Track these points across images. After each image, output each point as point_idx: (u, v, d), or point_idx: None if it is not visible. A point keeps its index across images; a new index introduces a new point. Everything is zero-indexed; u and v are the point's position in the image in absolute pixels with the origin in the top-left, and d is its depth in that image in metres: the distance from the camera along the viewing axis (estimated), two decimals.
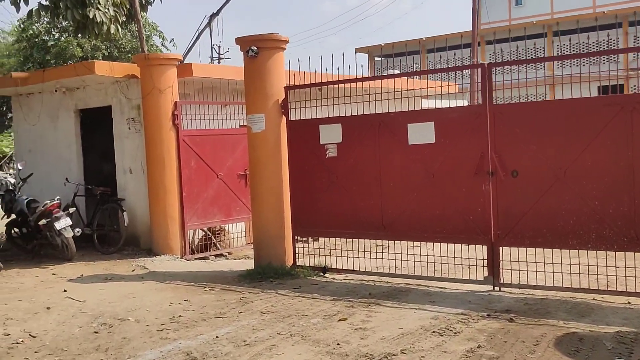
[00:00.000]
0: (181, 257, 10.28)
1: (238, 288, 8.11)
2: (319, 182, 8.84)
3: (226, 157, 10.94)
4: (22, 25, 28.91)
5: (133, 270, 9.43)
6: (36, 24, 28.66)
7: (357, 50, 42.79)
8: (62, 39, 28.71)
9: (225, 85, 11.14)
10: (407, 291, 7.58)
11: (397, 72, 21.66)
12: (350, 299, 7.23)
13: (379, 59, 42.39)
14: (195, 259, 10.45)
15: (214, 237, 11.04)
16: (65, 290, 8.01)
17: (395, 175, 8.22)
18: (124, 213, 10.54)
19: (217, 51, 26.98)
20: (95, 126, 11.76)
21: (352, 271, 8.60)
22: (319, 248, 9.03)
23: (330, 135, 8.72)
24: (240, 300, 7.42)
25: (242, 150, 11.08)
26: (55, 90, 11.53)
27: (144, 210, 10.63)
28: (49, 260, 10.31)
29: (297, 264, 9.06)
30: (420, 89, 8.35)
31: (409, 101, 8.77)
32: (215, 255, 10.80)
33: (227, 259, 10.90)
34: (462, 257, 7.73)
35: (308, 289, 7.89)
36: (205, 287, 8.17)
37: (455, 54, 35.04)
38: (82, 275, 9.14)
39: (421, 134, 7.97)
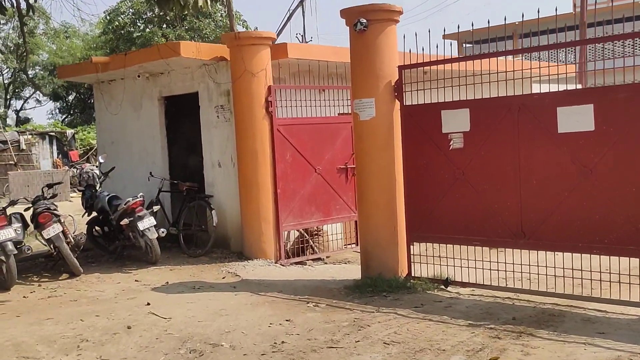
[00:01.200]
0: (275, 262, 9.10)
1: (347, 304, 6.82)
2: (441, 179, 7.42)
3: (325, 148, 9.66)
4: (108, 17, 28.69)
5: (223, 278, 8.31)
6: (122, 16, 28.39)
7: (445, 37, 40.77)
8: (147, 29, 28.31)
9: (321, 69, 9.85)
10: (560, 315, 6.06)
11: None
12: (491, 326, 5.80)
13: (469, 45, 40.27)
14: (291, 264, 9.24)
15: (311, 239, 9.80)
16: (148, 304, 6.94)
17: (539, 171, 6.69)
18: (213, 212, 9.46)
19: (301, 39, 25.74)
20: (181, 115, 10.74)
21: (481, 285, 7.17)
22: (432, 256, 7.62)
23: (455, 123, 7.27)
24: (353, 322, 6.11)
25: (343, 141, 9.81)
26: (138, 76, 10.58)
27: (235, 208, 9.51)
28: (132, 263, 9.34)
29: (413, 274, 7.69)
30: (538, 69, 6.76)
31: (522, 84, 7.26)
32: (313, 260, 9.56)
33: (326, 263, 9.66)
34: (625, 273, 6.15)
35: (432, 308, 6.52)
36: (308, 303, 6.92)
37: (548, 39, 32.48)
38: (167, 282, 8.08)
39: (575, 119, 6.41)
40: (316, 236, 9.93)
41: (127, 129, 11.22)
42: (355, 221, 10.07)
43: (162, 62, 9.54)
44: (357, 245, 10.05)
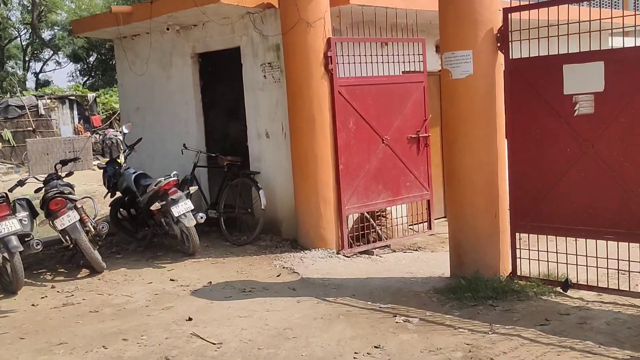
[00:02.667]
0: (337, 253, 7.53)
1: (447, 318, 5.26)
2: (560, 154, 5.75)
3: (393, 114, 7.99)
4: None
5: (278, 276, 6.77)
6: None
7: None
8: None
9: (389, 17, 8.11)
10: None
11: None
12: None
13: None
14: (356, 254, 7.67)
15: (375, 222, 8.20)
16: (190, 319, 5.41)
17: None
18: (261, 191, 7.89)
19: None
20: (220, 76, 9.12)
21: (613, 290, 5.59)
22: (537, 250, 6.01)
23: (583, 81, 5.57)
24: (469, 353, 4.53)
25: (414, 105, 8.15)
26: (167, 29, 8.90)
27: (287, 187, 7.92)
28: (165, 254, 7.83)
29: (519, 273, 6.10)
30: None
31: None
32: (379, 247, 7.97)
33: (394, 250, 8.09)
34: None
35: (563, 326, 4.95)
36: (395, 316, 5.36)
37: None
38: (210, 283, 6.57)
39: None
40: (379, 218, 8.33)
41: (155, 92, 9.62)
42: (428, 200, 8.45)
43: (197, 11, 7.85)
44: (429, 228, 8.46)
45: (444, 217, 9.74)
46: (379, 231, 8.16)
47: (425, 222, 8.58)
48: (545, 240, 6.05)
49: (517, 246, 6.12)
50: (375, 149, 7.81)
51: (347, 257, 7.50)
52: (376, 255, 7.74)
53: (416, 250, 8.23)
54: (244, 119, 8.45)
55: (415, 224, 8.65)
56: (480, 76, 6.00)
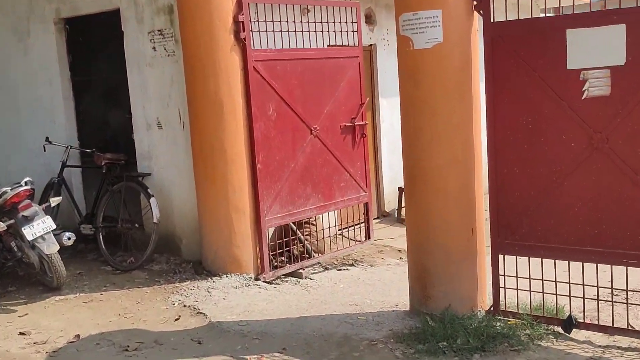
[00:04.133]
0: (256, 278, 5.76)
1: None
2: (562, 150, 4.27)
3: (324, 97, 6.28)
4: None
5: (177, 320, 4.93)
6: None
7: None
8: None
9: None
10: None
11: None
12: None
13: None
14: (280, 277, 5.93)
15: (301, 233, 6.48)
16: None
17: None
18: (152, 199, 5.98)
19: None
20: (95, 47, 7.05)
21: (628, 331, 4.21)
22: (517, 277, 4.55)
23: (595, 52, 4.11)
24: None
25: (348, 86, 6.51)
26: None
27: (187, 193, 6.06)
28: (20, 288, 5.76)
29: (503, 307, 4.60)
30: None
31: None
32: (308, 265, 6.28)
33: (326, 268, 6.41)
34: None
35: None
36: None
37: None
38: (77, 337, 4.63)
39: None
40: (308, 227, 6.63)
41: (8, 69, 7.39)
42: (366, 203, 6.83)
43: None
44: (368, 237, 6.88)
45: (377, 217, 8.22)
46: (307, 245, 6.45)
47: (360, 226, 6.93)
48: (527, 263, 4.55)
49: (501, 272, 4.60)
50: (301, 142, 6.08)
51: (269, 283, 5.75)
52: (306, 277, 6.03)
53: (352, 265, 6.61)
54: (128, 104, 6.46)
55: (346, 228, 6.97)
56: (451, 44, 4.42)
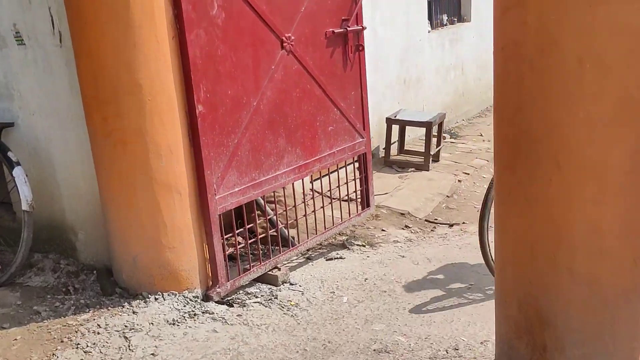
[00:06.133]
0: (206, 296, 3.45)
1: None
2: None
3: None
4: None
5: None
6: None
7: None
8: None
9: None
10: None
11: None
12: None
13: None
14: (244, 289, 3.64)
15: (268, 211, 4.13)
16: None
17: None
18: (16, 170, 3.50)
19: None
20: None
21: None
22: None
23: None
24: None
25: None
26: None
27: (79, 158, 3.58)
28: None
29: None
30: None
31: None
32: (279, 263, 3.99)
33: (308, 258, 4.18)
34: None
35: None
36: None
37: None
38: None
39: None
40: (279, 200, 4.28)
41: None
42: (364, 154, 4.52)
43: None
44: (366, 205, 4.64)
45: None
46: (282, 228, 4.13)
47: (357, 192, 4.65)
48: None
49: None
50: (268, 64, 3.64)
51: (227, 304, 3.46)
52: (284, 282, 3.76)
53: (343, 246, 4.41)
54: None
55: (338, 199, 4.68)
56: None
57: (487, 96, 8.79)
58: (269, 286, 3.73)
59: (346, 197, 4.50)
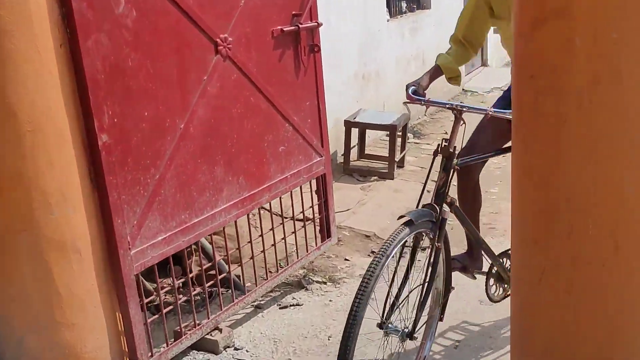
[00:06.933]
0: None
1: None
2: None
3: None
4: None
5: None
6: None
7: None
8: None
9: None
10: None
11: None
12: None
13: None
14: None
15: (189, 261, 3.32)
16: None
17: None
18: None
19: None
20: None
21: None
22: None
23: None
24: None
25: None
26: None
27: None
28: None
29: None
30: None
31: None
32: (216, 324, 3.19)
33: (258, 307, 3.41)
34: None
35: None
36: None
37: None
38: None
39: None
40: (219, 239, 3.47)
41: None
42: (323, 175, 3.73)
43: None
44: (328, 236, 3.85)
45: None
46: (234, 276, 3.34)
47: (312, 214, 3.86)
48: None
49: None
50: (198, 73, 2.82)
51: None
52: (227, 346, 2.99)
53: (300, 285, 3.65)
54: None
55: (293, 233, 3.87)
56: None
57: (448, 88, 8.11)
58: (207, 355, 2.95)
59: (302, 226, 3.73)
